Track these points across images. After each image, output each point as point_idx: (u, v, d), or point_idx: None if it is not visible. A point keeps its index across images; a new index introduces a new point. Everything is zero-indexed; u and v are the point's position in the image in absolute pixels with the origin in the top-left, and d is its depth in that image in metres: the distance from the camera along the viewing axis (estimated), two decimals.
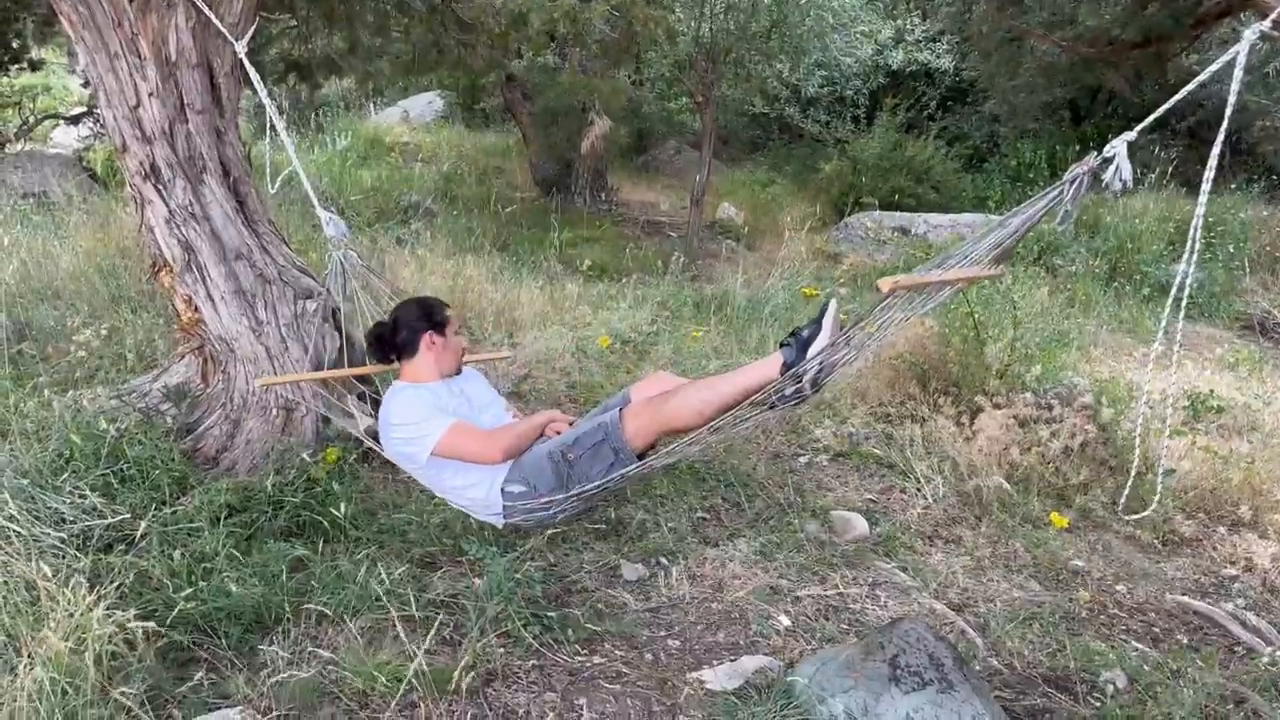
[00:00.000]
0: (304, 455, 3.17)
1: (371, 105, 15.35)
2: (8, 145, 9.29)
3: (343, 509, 2.88)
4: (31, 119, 10.64)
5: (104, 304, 4.72)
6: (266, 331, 3.29)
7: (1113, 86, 7.01)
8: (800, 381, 2.61)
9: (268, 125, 3.39)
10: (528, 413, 3.41)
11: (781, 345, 2.80)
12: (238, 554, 2.72)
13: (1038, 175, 12.37)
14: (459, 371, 3.22)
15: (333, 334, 3.47)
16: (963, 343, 4.78)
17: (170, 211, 3.20)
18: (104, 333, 3.77)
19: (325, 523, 2.94)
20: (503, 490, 2.92)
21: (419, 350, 3.10)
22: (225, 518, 2.86)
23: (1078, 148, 12.79)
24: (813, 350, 2.61)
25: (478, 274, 6.25)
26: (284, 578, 2.63)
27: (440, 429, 2.85)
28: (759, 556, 3.27)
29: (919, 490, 3.90)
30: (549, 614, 2.64)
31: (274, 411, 3.30)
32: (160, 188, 3.17)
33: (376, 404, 3.44)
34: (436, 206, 9.12)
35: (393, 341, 3.15)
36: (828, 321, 2.73)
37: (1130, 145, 2.37)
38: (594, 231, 10.16)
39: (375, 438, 3.14)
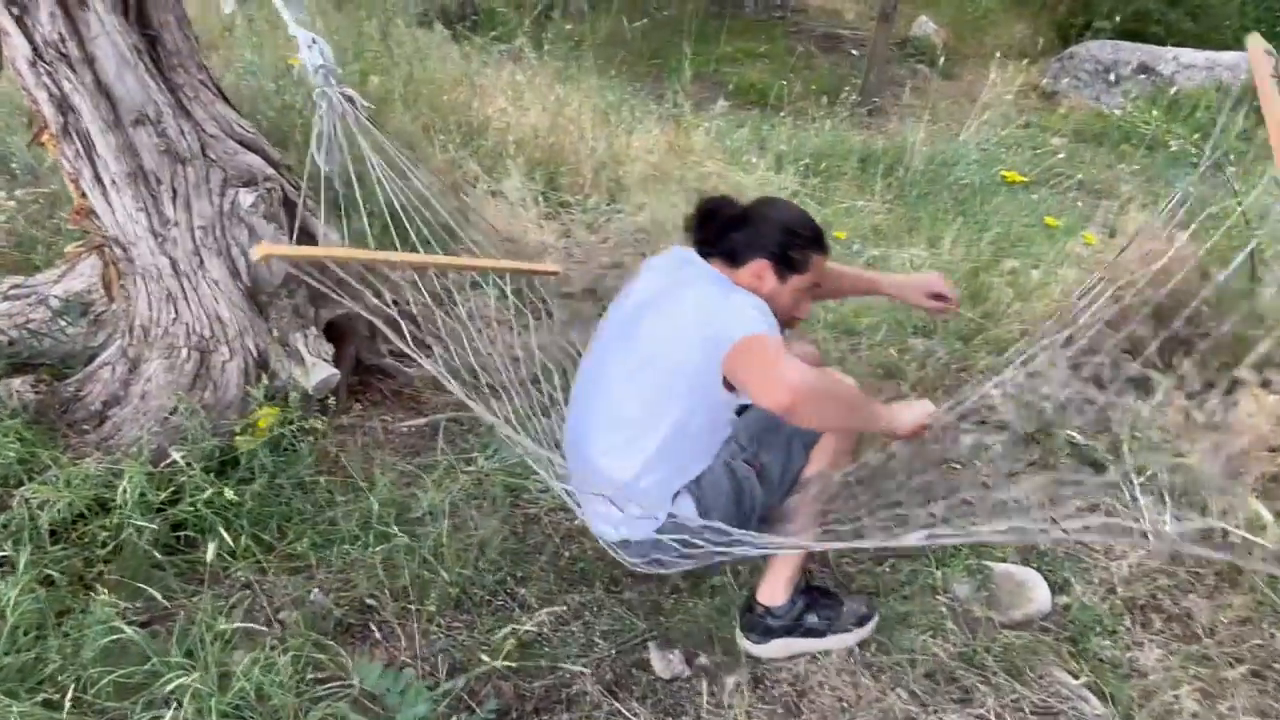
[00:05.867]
0: (208, 437, 2.15)
1: None
2: None
3: (209, 550, 1.87)
4: None
5: None
6: (173, 236, 2.24)
7: None
8: None
9: None
10: None
11: None
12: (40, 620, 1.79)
13: None
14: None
15: (281, 240, 2.39)
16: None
17: (35, 49, 2.12)
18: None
19: (201, 554, 1.95)
20: (672, 498, 1.87)
21: (791, 275, 1.90)
22: (71, 527, 1.95)
23: None
24: None
25: (585, 109, 4.92)
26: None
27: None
28: (868, 647, 2.13)
29: (1136, 520, 2.60)
30: None
31: (184, 352, 2.29)
32: (16, 9, 2.09)
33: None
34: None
35: (749, 235, 1.89)
36: None
37: None
38: (759, 44, 8.59)
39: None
